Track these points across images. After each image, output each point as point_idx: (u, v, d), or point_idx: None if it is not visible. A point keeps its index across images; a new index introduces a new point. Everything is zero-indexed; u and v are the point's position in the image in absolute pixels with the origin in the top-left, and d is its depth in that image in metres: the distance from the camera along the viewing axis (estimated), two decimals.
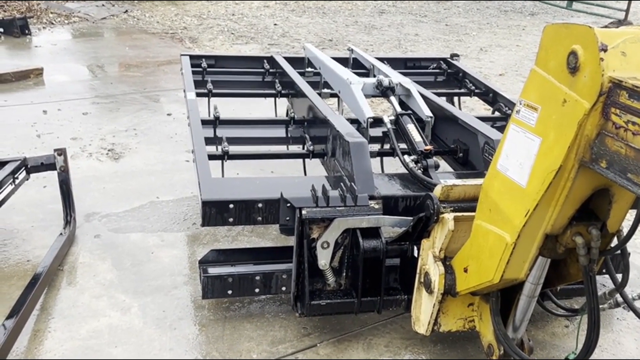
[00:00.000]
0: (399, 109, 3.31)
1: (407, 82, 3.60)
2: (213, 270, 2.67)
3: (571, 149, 1.63)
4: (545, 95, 1.73)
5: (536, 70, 1.78)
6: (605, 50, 1.53)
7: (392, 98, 3.41)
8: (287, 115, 3.76)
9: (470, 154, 3.19)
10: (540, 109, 1.75)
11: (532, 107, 1.78)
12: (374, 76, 3.87)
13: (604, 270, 2.10)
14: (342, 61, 4.63)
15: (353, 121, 3.34)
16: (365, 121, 3.19)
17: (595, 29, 1.56)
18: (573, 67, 1.62)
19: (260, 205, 2.49)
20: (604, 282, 3.03)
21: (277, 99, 4.44)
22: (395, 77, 3.66)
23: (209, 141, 3.17)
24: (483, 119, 3.53)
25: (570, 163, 1.67)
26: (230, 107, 5.28)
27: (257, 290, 2.68)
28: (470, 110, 5.84)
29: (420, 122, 3.23)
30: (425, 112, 3.30)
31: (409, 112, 3.32)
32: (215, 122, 3.52)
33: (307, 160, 3.44)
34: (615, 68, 1.53)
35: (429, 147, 2.92)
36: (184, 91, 3.90)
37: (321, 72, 4.23)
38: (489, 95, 4.31)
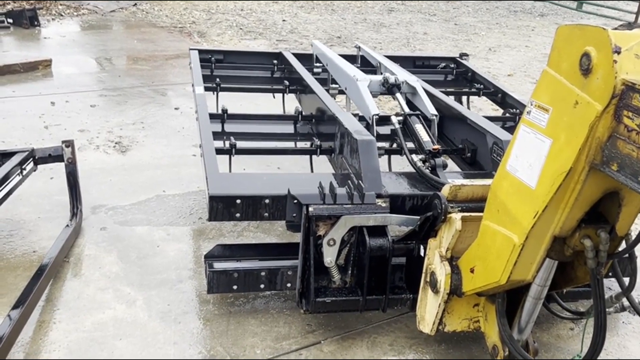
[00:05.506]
0: (406, 109, 3.31)
1: (414, 80, 3.62)
2: (218, 265, 2.67)
3: (582, 151, 1.62)
4: (557, 97, 1.72)
5: (548, 71, 1.77)
6: (618, 53, 1.52)
7: (398, 95, 3.42)
8: (295, 112, 3.76)
9: (478, 154, 3.18)
10: (552, 110, 1.74)
11: (543, 108, 1.77)
12: (381, 74, 3.87)
13: (610, 274, 2.09)
14: (350, 59, 4.62)
15: (360, 118, 3.33)
16: (370, 118, 3.20)
17: (609, 30, 1.55)
18: (586, 69, 1.60)
19: (267, 201, 2.48)
20: (609, 286, 3.02)
21: (285, 95, 4.43)
22: (401, 74, 3.67)
23: (216, 136, 3.17)
24: (492, 119, 3.52)
25: (580, 165, 1.66)
26: (238, 103, 5.28)
27: (262, 286, 2.68)
28: (479, 110, 5.82)
29: (426, 120, 3.24)
30: (431, 110, 3.31)
31: (417, 112, 3.31)
32: (223, 116, 3.52)
33: (313, 157, 3.43)
34: (629, 71, 1.52)
35: (436, 146, 2.92)
36: (193, 85, 3.90)
37: (328, 69, 4.23)
38: (498, 96, 4.30)
